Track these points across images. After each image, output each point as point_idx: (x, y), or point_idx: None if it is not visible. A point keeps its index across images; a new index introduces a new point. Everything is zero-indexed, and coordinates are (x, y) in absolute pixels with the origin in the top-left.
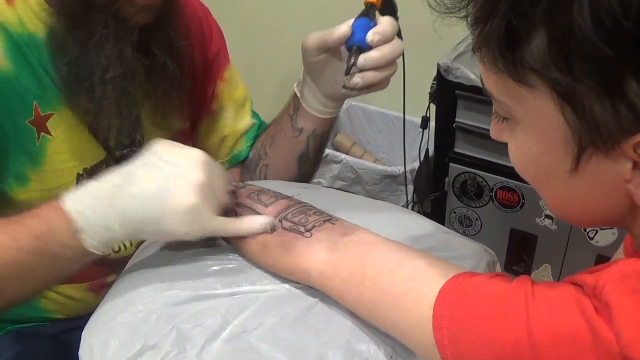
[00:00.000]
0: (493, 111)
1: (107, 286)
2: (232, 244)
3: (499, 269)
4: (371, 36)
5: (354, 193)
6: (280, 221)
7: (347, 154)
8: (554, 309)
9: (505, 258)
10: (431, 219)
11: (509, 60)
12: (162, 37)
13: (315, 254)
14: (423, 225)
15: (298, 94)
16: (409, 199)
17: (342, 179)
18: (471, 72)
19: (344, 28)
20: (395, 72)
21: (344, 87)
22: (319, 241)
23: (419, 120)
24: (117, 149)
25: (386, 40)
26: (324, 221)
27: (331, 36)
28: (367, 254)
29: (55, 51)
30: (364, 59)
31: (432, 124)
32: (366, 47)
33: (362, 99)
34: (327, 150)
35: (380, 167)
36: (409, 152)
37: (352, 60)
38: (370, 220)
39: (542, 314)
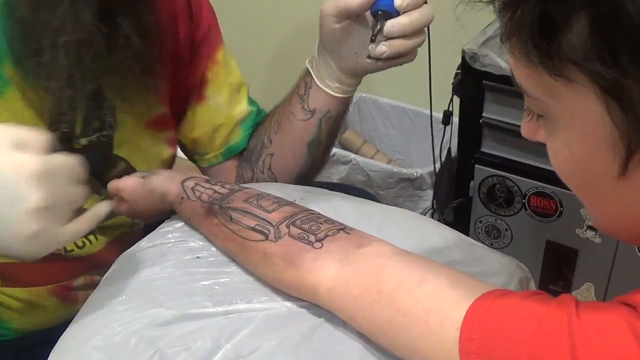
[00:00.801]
0: (525, 107)
1: (75, 290)
2: (230, 253)
3: (533, 287)
4: (400, 0)
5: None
6: (288, 227)
7: (356, 153)
8: (602, 334)
9: (540, 275)
10: (454, 229)
11: (544, 52)
12: (129, 8)
13: (325, 268)
14: (445, 236)
15: (311, 70)
16: (428, 205)
17: (351, 182)
18: (501, 59)
19: None
20: (423, 41)
21: (368, 57)
22: (329, 253)
23: (440, 116)
24: (84, 134)
25: (416, 5)
26: (338, 230)
27: (355, 0)
28: (384, 268)
29: (5, 8)
30: (391, 25)
31: (456, 119)
32: (394, 13)
33: (374, 91)
34: (334, 150)
35: (395, 168)
36: (429, 152)
37: (379, 26)
38: (385, 229)
39: (589, 339)
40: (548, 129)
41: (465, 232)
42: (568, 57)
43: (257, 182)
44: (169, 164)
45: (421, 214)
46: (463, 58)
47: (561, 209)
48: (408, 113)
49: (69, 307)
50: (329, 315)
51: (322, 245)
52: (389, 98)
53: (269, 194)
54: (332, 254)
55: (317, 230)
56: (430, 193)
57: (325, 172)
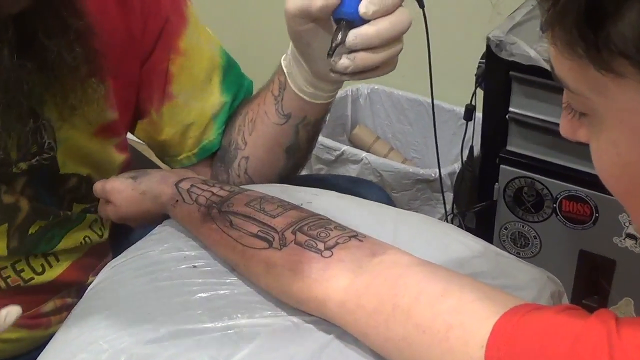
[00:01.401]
0: (564, 103)
1: (46, 317)
2: (230, 262)
3: (565, 301)
4: (365, 6)
5: (380, 196)
6: (294, 233)
7: (368, 151)
8: None
9: (573, 289)
10: (476, 236)
11: (591, 43)
12: (50, 21)
13: (335, 279)
14: (468, 244)
15: (285, 70)
16: (447, 210)
17: None
18: (531, 47)
19: None
20: (400, 51)
21: (331, 70)
22: (340, 262)
23: (462, 110)
24: (23, 159)
25: (385, 12)
26: (349, 237)
27: (315, 3)
28: (401, 279)
29: None
30: (353, 36)
31: (479, 114)
32: (358, 21)
33: (388, 82)
34: (343, 147)
35: (410, 168)
36: (449, 151)
37: (339, 38)
38: (401, 236)
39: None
40: (592, 128)
41: (489, 239)
42: (618, 49)
43: (234, 184)
44: (125, 168)
45: (439, 219)
46: (488, 46)
47: (597, 214)
48: (426, 107)
49: (42, 332)
50: (339, 331)
51: (332, 253)
52: (405, 90)
53: (272, 196)
54: (343, 264)
55: (326, 238)
56: (449, 196)
57: (333, 172)
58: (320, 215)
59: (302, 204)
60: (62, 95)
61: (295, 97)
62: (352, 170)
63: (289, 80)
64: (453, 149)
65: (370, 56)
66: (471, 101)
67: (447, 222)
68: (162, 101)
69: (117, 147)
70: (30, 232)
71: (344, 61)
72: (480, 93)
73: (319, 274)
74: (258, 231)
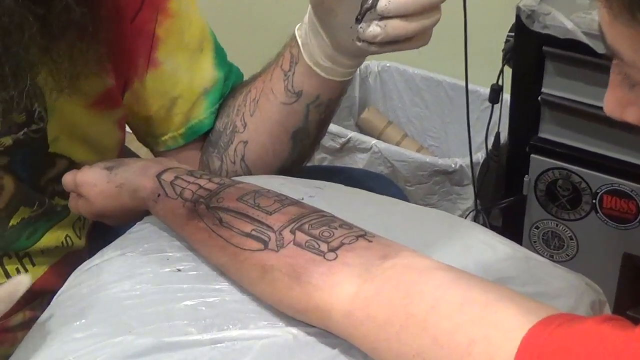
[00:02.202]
0: (613, 74)
1: (13, 332)
2: (219, 265)
3: (607, 312)
4: None
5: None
6: (293, 232)
7: (378, 138)
8: None
9: (616, 297)
10: (503, 235)
11: None
12: None
13: (340, 286)
14: (493, 245)
15: (299, 41)
16: (469, 206)
17: None
18: (567, 18)
19: None
20: (438, 21)
21: (358, 39)
22: (346, 266)
23: (486, 91)
24: (8, 132)
25: None
26: (357, 237)
27: None
28: (415, 286)
29: None
30: (387, 0)
31: (507, 96)
32: None
33: (402, 58)
34: (350, 133)
35: (427, 158)
36: (471, 137)
37: (369, 2)
38: (416, 236)
39: None
40: None
41: (518, 240)
42: None
43: (228, 174)
44: (120, 151)
45: (460, 216)
46: (518, 17)
47: None
48: (445, 88)
49: (6, 350)
50: (345, 345)
51: (337, 256)
52: (421, 68)
53: (268, 190)
54: (350, 268)
55: (330, 237)
56: (472, 190)
57: (337, 162)
58: (323, 211)
59: (302, 199)
60: (63, 56)
61: (309, 72)
62: (359, 160)
63: (303, 53)
64: (476, 135)
65: (404, 25)
66: (497, 81)
67: (469, 219)
68: (147, 68)
69: (118, 123)
70: (11, 223)
71: (374, 29)
72: (508, 71)
73: (322, 280)
74: (252, 230)
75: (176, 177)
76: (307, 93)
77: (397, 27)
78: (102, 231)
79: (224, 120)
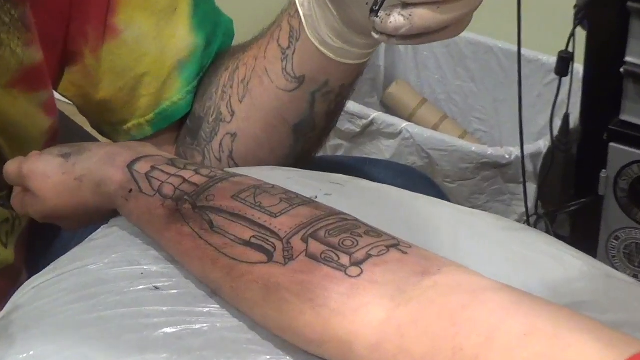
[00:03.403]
0: None
1: None
2: (209, 281)
3: None
4: None
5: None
6: (305, 241)
7: (409, 120)
8: None
9: None
10: (571, 245)
11: None
12: None
13: (366, 310)
14: (563, 259)
15: (301, 12)
16: (528, 209)
17: None
18: None
19: None
20: (478, 6)
21: (375, 30)
22: (374, 285)
23: (552, 61)
24: None
25: None
26: (387, 247)
27: None
28: (464, 311)
29: None
30: None
31: (578, 66)
32: None
33: None
34: (373, 114)
35: (473, 147)
36: (531, 120)
37: None
38: (462, 246)
39: None
40: None
41: (591, 253)
42: None
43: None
44: (52, 140)
45: (517, 221)
46: None
47: None
48: (496, 54)
49: None
50: None
51: (362, 271)
52: (467, 30)
53: (273, 186)
54: (379, 287)
55: (353, 247)
56: (532, 188)
57: (357, 151)
58: (343, 214)
59: (316, 197)
60: None
61: (315, 52)
62: (385, 149)
63: (305, 27)
64: (537, 117)
65: (435, 15)
66: (567, 47)
67: (529, 225)
68: (102, 37)
69: (44, 107)
70: None
71: (397, 19)
72: (581, 35)
73: (343, 302)
74: (252, 237)
75: (153, 168)
76: (311, 78)
77: (425, 17)
78: (48, 239)
79: (205, 103)
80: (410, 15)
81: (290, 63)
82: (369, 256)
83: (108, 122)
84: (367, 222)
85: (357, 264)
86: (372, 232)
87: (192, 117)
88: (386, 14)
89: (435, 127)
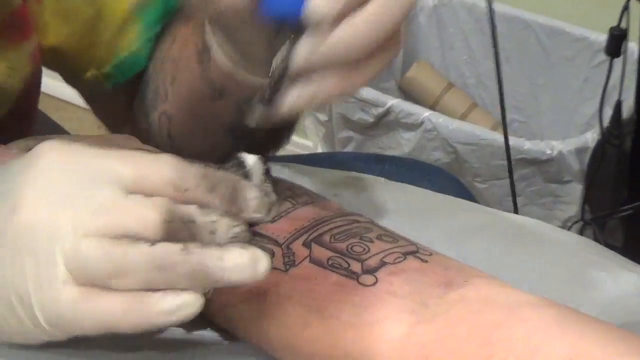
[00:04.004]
0: None
1: None
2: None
3: None
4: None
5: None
6: (307, 246)
7: (432, 108)
8: None
9: None
10: (624, 256)
11: None
12: None
13: (384, 325)
14: (614, 271)
15: (209, 38)
16: (573, 214)
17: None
18: None
19: None
20: (397, 54)
21: (252, 119)
22: (391, 296)
23: (602, 39)
24: None
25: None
26: (404, 254)
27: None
28: (499, 330)
29: None
30: (307, 50)
31: (633, 45)
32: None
33: None
34: (390, 101)
35: (510, 140)
36: (576, 109)
37: (280, 66)
38: (495, 255)
39: None
40: None
41: None
42: None
43: (157, 146)
44: (35, 95)
45: (560, 227)
46: None
47: None
48: (536, 31)
49: None
50: None
51: (377, 280)
52: (500, 2)
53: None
54: (397, 299)
55: (364, 253)
56: (578, 189)
57: (371, 144)
58: (356, 214)
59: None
60: None
61: (227, 72)
62: (404, 142)
63: (214, 53)
64: (584, 106)
65: (339, 82)
66: (619, 23)
67: (575, 233)
68: None
69: (32, 56)
70: None
71: (292, 98)
72: (635, 9)
73: (356, 314)
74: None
75: None
76: (230, 92)
77: (328, 87)
78: None
79: (157, 63)
80: (316, 90)
81: (207, 71)
82: (383, 264)
83: (68, 71)
84: (380, 225)
85: (370, 271)
86: (386, 236)
87: (146, 78)
88: (279, 98)
89: (463, 117)
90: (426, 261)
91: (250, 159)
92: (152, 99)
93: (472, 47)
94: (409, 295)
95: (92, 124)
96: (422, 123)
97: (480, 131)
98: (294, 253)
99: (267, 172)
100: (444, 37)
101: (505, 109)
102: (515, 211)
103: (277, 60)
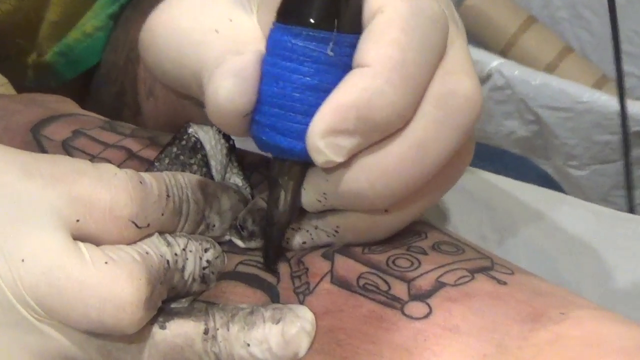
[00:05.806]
0: None
1: None
2: None
3: None
4: (327, 147)
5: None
6: (327, 258)
7: (504, 56)
8: None
9: None
10: None
11: None
12: None
13: None
14: None
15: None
16: None
17: (494, 137)
18: None
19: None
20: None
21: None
22: (454, 335)
23: None
24: None
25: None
26: (472, 272)
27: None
28: None
29: None
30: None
31: None
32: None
33: None
34: None
35: (627, 104)
36: None
37: (274, 230)
38: (600, 273)
39: None
40: None
41: None
42: None
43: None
44: None
45: None
46: None
47: None
48: None
49: None
50: None
51: (431, 310)
52: None
53: None
54: (462, 338)
55: (411, 269)
56: None
57: None
58: None
59: None
60: None
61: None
62: None
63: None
64: None
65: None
66: None
67: None
68: None
69: None
70: None
71: (300, 237)
72: None
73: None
74: (238, 264)
75: (76, 133)
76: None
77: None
78: None
79: (120, 63)
80: (337, 230)
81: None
82: (440, 285)
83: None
84: (436, 226)
85: (422, 297)
86: (447, 244)
87: (100, 70)
88: (292, 232)
89: (550, 68)
90: (505, 282)
91: (202, 132)
92: (113, 103)
93: None
94: (479, 332)
95: None
96: (489, 76)
97: (577, 90)
98: (307, 270)
99: (231, 150)
100: None
101: (621, 58)
102: (631, 210)
103: (269, 228)
